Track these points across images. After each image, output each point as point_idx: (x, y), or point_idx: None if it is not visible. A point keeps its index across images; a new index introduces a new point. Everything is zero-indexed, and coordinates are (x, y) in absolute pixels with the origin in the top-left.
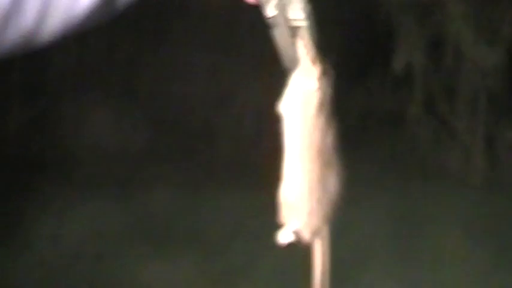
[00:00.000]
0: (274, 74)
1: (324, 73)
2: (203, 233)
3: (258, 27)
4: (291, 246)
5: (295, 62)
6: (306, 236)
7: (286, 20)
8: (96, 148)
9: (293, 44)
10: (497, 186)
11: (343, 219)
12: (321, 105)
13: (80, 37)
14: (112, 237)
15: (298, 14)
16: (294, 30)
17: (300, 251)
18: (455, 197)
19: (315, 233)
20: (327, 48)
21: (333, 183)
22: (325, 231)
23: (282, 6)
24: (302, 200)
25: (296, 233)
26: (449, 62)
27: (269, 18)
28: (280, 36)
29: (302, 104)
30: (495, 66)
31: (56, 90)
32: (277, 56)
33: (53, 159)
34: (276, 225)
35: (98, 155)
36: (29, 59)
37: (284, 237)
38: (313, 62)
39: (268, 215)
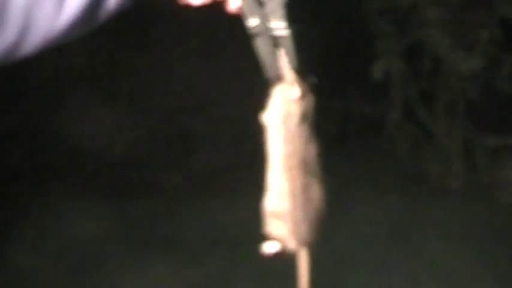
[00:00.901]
0: (253, 81)
1: (306, 82)
2: (183, 240)
3: (238, 35)
4: (275, 255)
5: (277, 71)
6: (292, 245)
7: (268, 29)
8: (74, 155)
9: (275, 54)
10: (476, 190)
11: (322, 225)
12: (304, 114)
13: (58, 45)
14: (91, 245)
15: (279, 23)
16: (275, 40)
17: (281, 260)
18: (434, 202)
19: (301, 242)
20: (306, 57)
21: (317, 191)
22: (311, 240)
23: (264, 16)
24: (287, 208)
25: (282, 242)
26: (427, 68)
27: (250, 27)
28: (262, 45)
29: (285, 113)
30: (473, 72)
31: (35, 98)
32: (258, 64)
33: (31, 167)
34: (256, 233)
35: (76, 162)
36: (6, 67)
37: (270, 246)
38: (295, 72)
39: (248, 223)
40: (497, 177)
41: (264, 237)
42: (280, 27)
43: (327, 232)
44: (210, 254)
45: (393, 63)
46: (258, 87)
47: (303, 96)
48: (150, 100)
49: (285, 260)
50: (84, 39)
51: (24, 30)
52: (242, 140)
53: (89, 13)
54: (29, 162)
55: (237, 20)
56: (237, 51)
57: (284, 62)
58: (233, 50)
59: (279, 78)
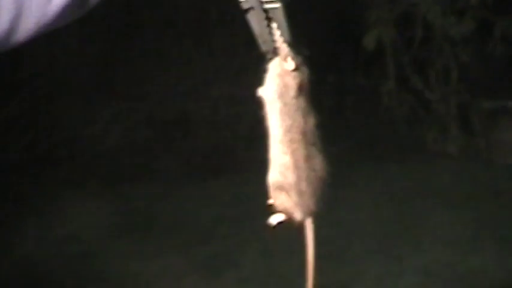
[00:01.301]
0: (247, 59)
1: (300, 54)
2: (186, 222)
3: (230, 12)
4: (278, 228)
5: (271, 44)
6: (297, 215)
7: (260, 2)
8: (74, 144)
9: (268, 27)
10: (474, 154)
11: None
12: (301, 86)
13: (50, 32)
14: (94, 232)
15: None
16: (268, 13)
17: (285, 232)
18: (433, 168)
19: (307, 212)
20: (299, 29)
21: (319, 161)
22: (316, 209)
23: None
24: (291, 180)
25: (287, 214)
26: (419, 35)
27: (243, 1)
28: (254, 19)
29: (282, 87)
30: (465, 36)
31: (31, 90)
32: (251, 42)
33: (30, 157)
34: (258, 210)
35: (74, 150)
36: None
37: (275, 218)
38: (289, 45)
39: (249, 200)
40: (493, 140)
41: (266, 213)
42: (272, 0)
43: (328, 203)
44: (213, 234)
45: (385, 33)
46: (252, 66)
47: (297, 69)
48: (144, 85)
49: (289, 236)
50: (77, 27)
51: (16, 17)
52: (239, 119)
53: None
54: (27, 152)
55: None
56: (229, 30)
57: (277, 36)
58: (226, 29)
59: (273, 52)
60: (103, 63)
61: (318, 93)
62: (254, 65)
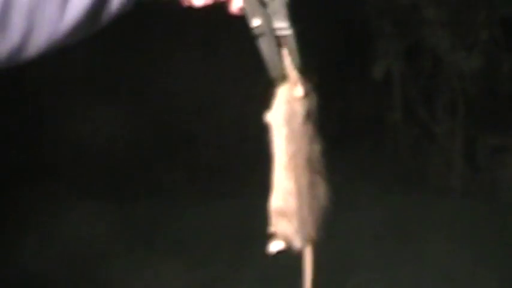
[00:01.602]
0: (255, 82)
1: (310, 81)
2: (187, 241)
3: (240, 34)
4: (279, 253)
5: (280, 71)
6: (297, 243)
7: (271, 29)
8: (77, 155)
9: (278, 53)
10: (478, 190)
11: (326, 224)
12: (308, 113)
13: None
14: (94, 247)
15: (282, 23)
16: (279, 40)
17: (285, 259)
18: (436, 202)
19: (306, 240)
20: (308, 56)
21: (322, 189)
22: (316, 237)
23: (266, 16)
24: (293, 207)
25: (287, 241)
26: (428, 67)
27: (254, 28)
28: (265, 45)
29: (289, 113)
30: (473, 71)
31: (40, 96)
32: (261, 64)
33: (31, 168)
34: (260, 233)
35: (78, 163)
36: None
37: (275, 245)
38: (299, 71)
39: (251, 223)
40: (498, 177)
41: (268, 238)
42: (283, 26)
43: (329, 231)
44: (214, 255)
45: (393, 63)
46: (260, 88)
47: (306, 96)
48: (152, 100)
49: (289, 260)
50: (84, 39)
51: (27, 33)
52: (245, 141)
53: (92, 15)
54: (29, 163)
55: (238, 19)
56: (239, 52)
57: (287, 62)
58: (236, 50)
59: (282, 77)
60: (110, 76)
61: (323, 119)
62: (263, 87)
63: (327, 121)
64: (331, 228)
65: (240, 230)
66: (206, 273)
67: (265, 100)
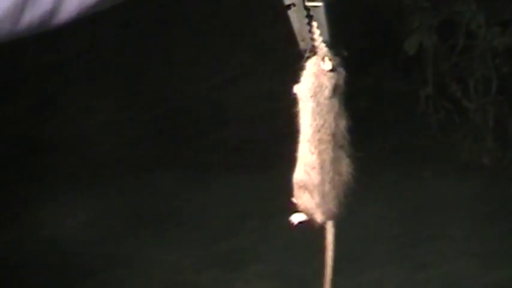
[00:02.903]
0: (285, 55)
1: (338, 55)
2: (212, 214)
3: (272, 6)
4: (301, 227)
5: (309, 43)
6: (318, 217)
7: (302, 0)
8: (102, 128)
9: (308, 25)
10: (509, 168)
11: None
12: (335, 87)
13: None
14: (119, 219)
15: None
16: (309, 11)
17: (309, 232)
18: (465, 178)
19: (328, 215)
20: (339, 29)
21: (346, 165)
22: (338, 213)
23: None
24: (315, 181)
25: (308, 214)
26: (461, 43)
27: None
28: (295, 16)
29: (317, 86)
30: (507, 47)
31: (62, 76)
32: (292, 37)
33: (56, 142)
34: (285, 206)
35: (104, 135)
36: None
37: (296, 217)
38: (328, 45)
39: (277, 196)
40: None
41: (291, 211)
42: None
43: (353, 206)
44: (237, 228)
45: (426, 38)
46: (291, 62)
47: (334, 70)
48: (181, 74)
49: (312, 234)
50: (113, 12)
51: None
52: (273, 114)
53: None
54: (55, 133)
55: None
56: (270, 24)
57: (317, 35)
58: (266, 23)
59: (311, 50)
60: (137, 51)
61: (354, 94)
62: (293, 61)
63: (358, 95)
64: (355, 202)
65: (265, 204)
66: (229, 246)
67: (294, 74)
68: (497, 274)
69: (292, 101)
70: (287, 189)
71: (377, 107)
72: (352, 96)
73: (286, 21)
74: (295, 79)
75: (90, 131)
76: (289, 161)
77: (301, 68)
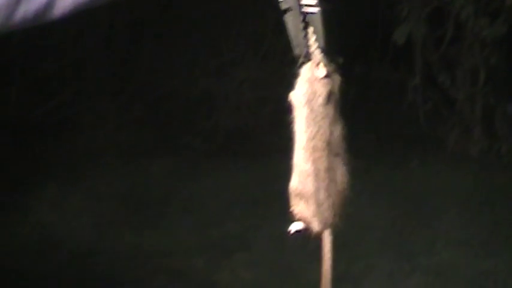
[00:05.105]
0: (273, 44)
1: (333, 62)
2: (202, 201)
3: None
4: (296, 236)
5: (304, 49)
6: (315, 226)
7: (299, 5)
8: (92, 115)
9: (304, 30)
10: (495, 158)
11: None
12: (329, 94)
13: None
14: (110, 205)
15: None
16: (305, 16)
17: (306, 238)
18: (453, 168)
19: (325, 224)
20: (329, 22)
21: (341, 173)
22: (334, 222)
23: None
24: (310, 189)
25: (305, 223)
26: (450, 33)
27: (281, 1)
28: (291, 21)
29: (311, 93)
30: (496, 38)
31: (58, 57)
32: (279, 26)
33: (52, 123)
34: (274, 194)
35: (94, 122)
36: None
37: (294, 226)
38: (323, 51)
39: (266, 184)
40: None
41: (282, 198)
42: (311, 3)
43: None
44: (228, 215)
45: (415, 29)
46: (279, 51)
47: (328, 76)
48: (170, 60)
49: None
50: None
51: None
52: (263, 103)
53: None
54: (50, 117)
55: None
56: (259, 13)
57: (312, 41)
58: (256, 12)
59: (305, 56)
60: (129, 37)
61: (343, 83)
62: (281, 50)
63: (347, 84)
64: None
65: (256, 190)
66: (220, 232)
67: (284, 61)
68: (485, 263)
69: (282, 89)
70: (276, 176)
71: (365, 96)
72: (341, 84)
73: (275, 10)
74: (284, 67)
75: (79, 118)
76: (279, 148)
77: (296, 75)
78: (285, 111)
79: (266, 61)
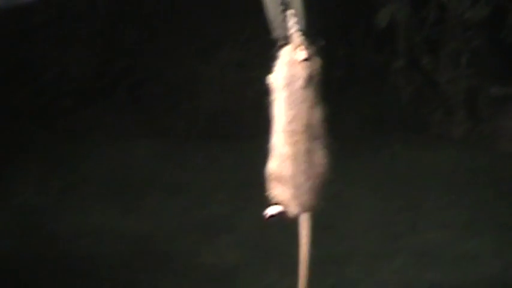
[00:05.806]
0: (256, 26)
1: (314, 45)
2: (186, 183)
3: None
4: (273, 219)
5: (284, 31)
6: (293, 209)
7: None
8: (76, 97)
9: (283, 14)
10: (478, 139)
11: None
12: (309, 77)
13: None
14: (93, 187)
15: None
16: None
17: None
18: (436, 150)
19: (303, 207)
20: (310, 4)
21: (320, 156)
22: (313, 205)
23: None
24: (289, 173)
25: (283, 206)
26: (433, 15)
27: None
28: (270, 3)
29: (290, 76)
30: (478, 21)
31: (39, 40)
32: (262, 7)
33: (34, 108)
34: (258, 176)
35: (77, 104)
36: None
37: (271, 209)
38: (303, 34)
39: (250, 166)
40: (498, 126)
41: (266, 181)
42: None
43: (329, 177)
44: (212, 197)
45: (399, 11)
46: (263, 33)
47: (308, 59)
48: (154, 43)
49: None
50: None
51: None
52: (247, 85)
53: None
54: (31, 100)
55: None
56: None
57: (292, 23)
58: None
59: (285, 39)
60: (112, 19)
61: (327, 65)
62: (265, 31)
63: (330, 66)
64: (331, 172)
65: (240, 173)
66: (204, 214)
67: (268, 42)
68: (469, 243)
69: (265, 70)
70: (260, 158)
71: (349, 78)
72: (325, 66)
73: None
74: (268, 49)
75: (63, 100)
76: (261, 131)
77: (276, 57)
78: (269, 93)
79: (250, 43)
